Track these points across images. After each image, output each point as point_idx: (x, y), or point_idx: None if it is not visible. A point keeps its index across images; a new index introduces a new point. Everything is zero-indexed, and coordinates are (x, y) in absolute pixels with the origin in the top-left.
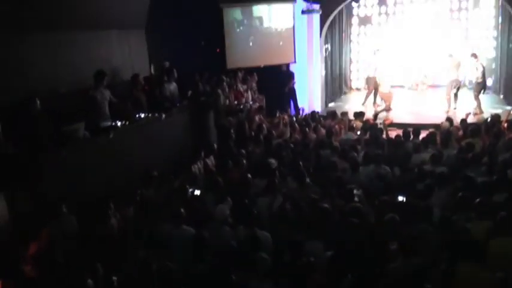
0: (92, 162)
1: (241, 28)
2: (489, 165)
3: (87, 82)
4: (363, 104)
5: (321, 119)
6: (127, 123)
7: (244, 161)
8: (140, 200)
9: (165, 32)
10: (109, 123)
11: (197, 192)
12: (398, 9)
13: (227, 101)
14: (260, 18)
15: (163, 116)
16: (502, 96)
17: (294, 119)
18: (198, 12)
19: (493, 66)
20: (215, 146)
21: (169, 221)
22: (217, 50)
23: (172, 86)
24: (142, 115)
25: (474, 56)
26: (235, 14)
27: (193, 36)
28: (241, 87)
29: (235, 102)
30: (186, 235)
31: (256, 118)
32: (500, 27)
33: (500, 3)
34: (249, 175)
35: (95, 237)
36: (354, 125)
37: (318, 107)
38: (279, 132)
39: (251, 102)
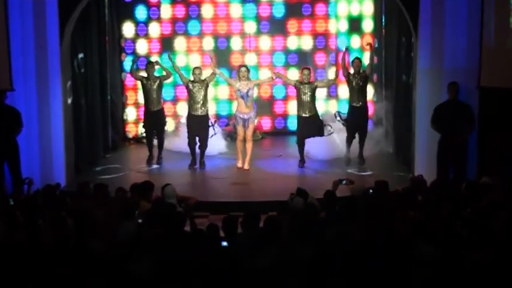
0: None
1: None
2: None
3: None
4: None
5: (68, 198)
6: None
7: None
8: None
9: None
10: None
11: None
12: None
13: None
14: None
15: None
16: (391, 150)
17: (11, 201)
18: None
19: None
20: None
21: None
22: None
23: None
24: None
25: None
26: None
27: None
28: None
29: None
30: None
31: None
32: (384, 32)
33: None
34: None
35: None
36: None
37: (61, 175)
38: None
39: None
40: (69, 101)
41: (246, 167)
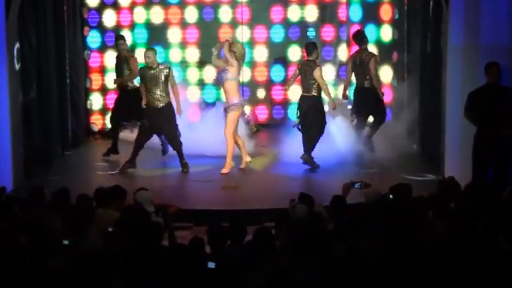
0: None
1: None
2: None
3: None
4: None
5: (16, 207)
6: None
7: None
8: None
9: None
10: None
11: None
12: None
13: None
14: None
15: None
16: (415, 146)
17: None
18: None
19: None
20: None
21: None
22: None
23: None
24: None
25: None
26: None
27: None
28: None
29: None
30: None
31: None
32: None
33: None
34: None
35: None
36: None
37: (7, 178)
38: None
39: None
40: (18, 87)
41: (225, 170)
